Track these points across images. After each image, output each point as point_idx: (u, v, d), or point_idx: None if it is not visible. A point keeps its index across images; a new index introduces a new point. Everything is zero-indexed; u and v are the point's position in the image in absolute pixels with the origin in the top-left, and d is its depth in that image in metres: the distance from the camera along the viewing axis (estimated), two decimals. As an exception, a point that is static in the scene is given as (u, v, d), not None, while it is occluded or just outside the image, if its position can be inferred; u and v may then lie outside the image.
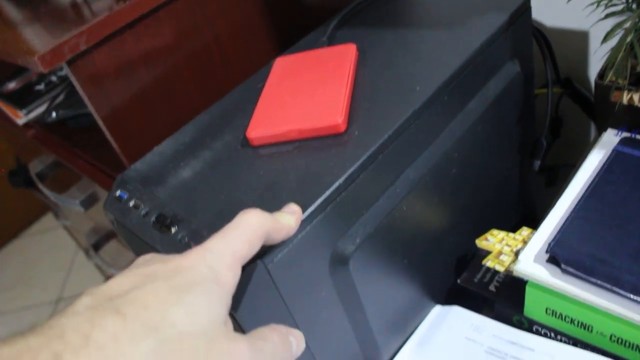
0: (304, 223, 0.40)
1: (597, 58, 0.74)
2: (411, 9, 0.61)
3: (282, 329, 0.35)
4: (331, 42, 0.59)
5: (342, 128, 0.45)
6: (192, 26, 0.62)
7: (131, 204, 0.47)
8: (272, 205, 0.39)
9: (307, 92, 0.50)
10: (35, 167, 0.94)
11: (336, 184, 0.41)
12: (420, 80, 0.49)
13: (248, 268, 0.38)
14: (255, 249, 0.35)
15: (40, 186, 0.91)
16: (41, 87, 0.94)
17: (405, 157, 0.47)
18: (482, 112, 0.54)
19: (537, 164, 0.67)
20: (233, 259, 0.33)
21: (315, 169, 0.43)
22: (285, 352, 0.34)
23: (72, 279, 1.85)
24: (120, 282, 0.30)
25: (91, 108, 0.59)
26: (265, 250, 0.38)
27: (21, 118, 0.91)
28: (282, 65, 0.56)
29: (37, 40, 0.58)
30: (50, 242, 2.05)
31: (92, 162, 0.77)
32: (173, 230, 0.42)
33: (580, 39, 0.73)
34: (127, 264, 0.88)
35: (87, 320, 0.27)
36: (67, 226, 1.49)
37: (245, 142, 0.48)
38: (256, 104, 0.51)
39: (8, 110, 0.94)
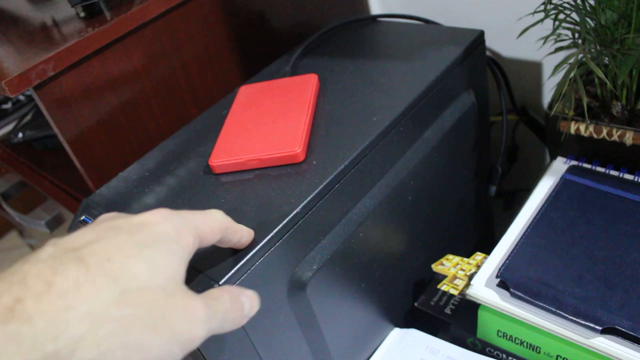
0: (262, 249, 0.41)
1: (549, 88, 0.77)
2: (372, 40, 0.64)
3: (234, 289, 0.36)
4: (294, 71, 0.61)
5: (301, 157, 0.47)
6: (160, 52, 0.64)
7: (94, 229, 0.48)
8: (231, 232, 0.41)
9: (268, 121, 0.52)
10: None
11: (293, 213, 0.43)
12: (378, 110, 0.51)
13: (207, 294, 0.39)
14: (214, 238, 0.36)
15: (5, 206, 0.91)
16: (8, 106, 0.94)
17: (362, 186, 0.49)
18: (437, 141, 0.56)
19: (493, 189, 0.70)
20: (196, 230, 0.34)
21: (274, 198, 0.44)
22: (236, 312, 0.35)
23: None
24: (83, 234, 0.30)
25: (57, 131, 0.59)
26: (224, 276, 0.39)
27: (-14, 138, 0.91)
28: (245, 93, 0.57)
29: (5, 63, 0.58)
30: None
31: (58, 184, 0.77)
32: (135, 256, 0.43)
33: (534, 69, 0.77)
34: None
35: (50, 267, 0.27)
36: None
37: (208, 170, 0.50)
38: (219, 131, 0.53)
39: (-27, 130, 0.94)
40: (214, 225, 0.36)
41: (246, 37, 0.71)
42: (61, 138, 0.60)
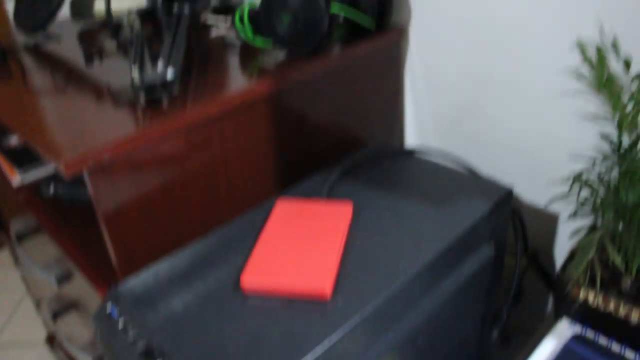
0: (279, 385, 0.43)
1: (562, 240, 0.80)
2: (406, 176, 0.67)
3: None
4: (330, 192, 0.64)
5: (328, 296, 0.49)
6: (206, 144, 0.67)
7: (120, 325, 0.50)
8: (256, 358, 0.43)
9: (302, 249, 0.54)
10: (16, 225, 0.95)
11: (314, 351, 0.45)
12: (406, 256, 0.54)
13: None
14: None
15: (18, 248, 0.92)
16: (42, 151, 0.97)
17: (379, 330, 0.51)
18: (453, 290, 0.58)
19: (495, 333, 0.72)
20: None
21: (299, 332, 0.46)
22: None
23: (13, 324, 1.80)
24: None
25: (94, 201, 0.61)
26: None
27: (16, 178, 0.93)
28: (282, 209, 0.60)
29: (63, 137, 0.61)
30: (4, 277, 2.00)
31: (76, 243, 0.79)
32: (157, 365, 0.45)
33: (549, 219, 0.80)
34: (85, 344, 0.87)
35: None
36: (24, 276, 1.47)
37: (238, 286, 0.52)
38: (253, 246, 0.55)
39: (5, 166, 0.96)
40: None
41: (288, 145, 0.75)
42: (97, 209, 0.62)
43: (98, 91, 0.72)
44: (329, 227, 0.57)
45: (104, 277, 0.69)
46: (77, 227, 0.81)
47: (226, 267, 0.55)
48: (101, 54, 0.76)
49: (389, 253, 0.55)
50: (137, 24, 0.81)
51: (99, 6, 1.01)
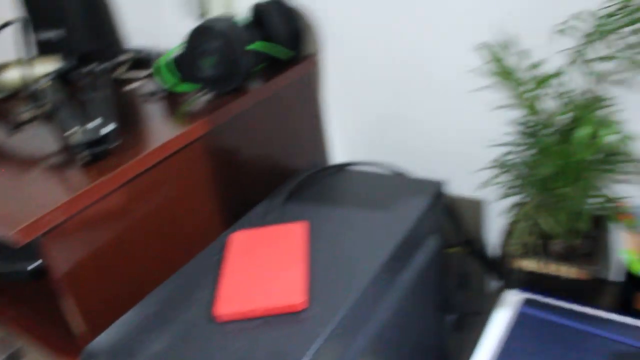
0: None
1: (494, 224, 0.87)
2: (346, 188, 0.72)
3: None
4: (281, 217, 0.67)
5: (304, 306, 0.52)
6: (150, 188, 0.68)
7: (103, 379, 0.50)
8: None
9: (268, 270, 0.56)
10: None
11: (304, 360, 0.47)
12: (365, 259, 0.58)
13: None
14: None
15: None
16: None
17: (355, 330, 0.55)
18: (409, 284, 0.63)
19: (452, 318, 0.77)
20: None
21: (282, 347, 0.49)
22: None
23: None
24: None
25: (50, 264, 0.60)
26: None
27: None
28: (238, 241, 0.62)
29: (9, 207, 0.60)
30: None
31: (27, 318, 0.76)
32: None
33: (479, 206, 0.87)
34: None
35: None
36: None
37: (211, 318, 0.53)
38: (218, 279, 0.57)
39: None
40: None
41: (228, 181, 0.77)
42: (54, 273, 0.60)
43: (31, 160, 0.71)
44: (288, 247, 0.59)
45: (66, 345, 0.68)
46: (21, 303, 0.79)
47: (196, 304, 0.56)
48: (23, 123, 0.75)
49: (349, 260, 0.58)
50: (56, 87, 0.80)
51: (8, 76, 0.99)
